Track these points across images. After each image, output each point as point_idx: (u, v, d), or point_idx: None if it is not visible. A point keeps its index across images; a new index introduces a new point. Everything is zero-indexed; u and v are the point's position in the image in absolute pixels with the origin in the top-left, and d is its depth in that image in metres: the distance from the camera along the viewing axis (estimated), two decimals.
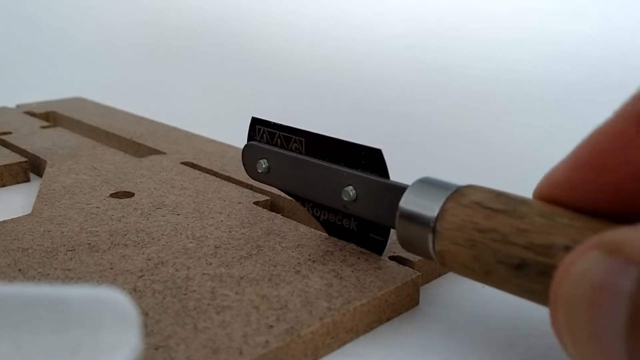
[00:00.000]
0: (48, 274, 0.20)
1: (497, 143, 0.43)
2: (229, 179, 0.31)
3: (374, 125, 0.49)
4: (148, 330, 0.17)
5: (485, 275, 0.16)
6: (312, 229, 0.24)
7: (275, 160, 0.24)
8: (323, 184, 0.23)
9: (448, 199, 0.17)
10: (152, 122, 0.43)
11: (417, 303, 0.21)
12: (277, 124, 0.24)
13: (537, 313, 0.20)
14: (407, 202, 0.18)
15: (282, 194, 0.28)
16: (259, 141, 0.25)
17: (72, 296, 0.13)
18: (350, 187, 0.22)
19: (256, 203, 0.27)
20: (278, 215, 0.26)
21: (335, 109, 0.55)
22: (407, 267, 0.21)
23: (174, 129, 0.41)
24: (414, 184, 0.19)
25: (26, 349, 0.12)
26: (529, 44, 0.71)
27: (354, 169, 0.22)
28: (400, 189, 0.19)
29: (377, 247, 0.22)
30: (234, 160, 0.34)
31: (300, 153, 0.24)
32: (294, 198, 0.25)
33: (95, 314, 0.13)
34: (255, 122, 0.25)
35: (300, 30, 0.83)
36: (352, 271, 0.21)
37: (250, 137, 0.26)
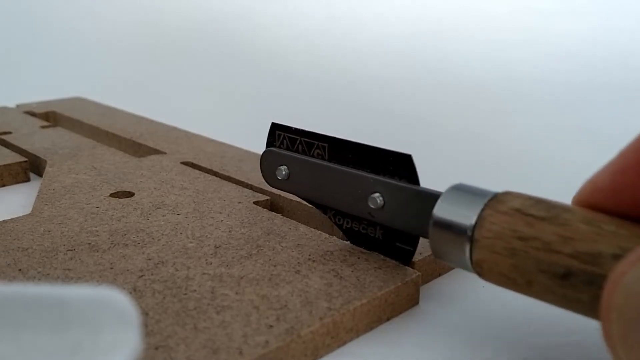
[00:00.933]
0: (48, 274, 0.20)
1: (498, 143, 0.43)
2: (229, 178, 0.31)
3: (374, 125, 0.49)
4: (148, 330, 0.17)
5: (526, 285, 0.16)
6: (312, 229, 0.24)
7: (296, 166, 0.24)
8: (348, 191, 0.22)
9: (486, 206, 0.17)
10: (152, 122, 0.43)
11: (417, 303, 0.21)
12: (299, 129, 0.24)
13: (537, 313, 0.20)
14: (441, 210, 0.18)
15: (282, 194, 0.28)
16: (279, 147, 0.24)
17: (72, 296, 0.13)
18: (377, 194, 0.21)
19: (256, 203, 0.27)
20: (278, 215, 0.26)
21: (336, 109, 0.55)
22: (407, 267, 0.21)
23: (174, 128, 0.41)
24: (447, 190, 0.18)
25: (26, 349, 0.12)
26: (530, 44, 0.71)
27: (381, 175, 0.21)
28: (432, 196, 0.19)
29: (404, 256, 0.21)
30: (234, 160, 0.34)
31: (323, 159, 0.23)
32: (315, 206, 0.24)
33: (95, 313, 0.13)
34: (275, 128, 0.24)
35: (301, 30, 0.83)
36: (352, 271, 0.21)
37: (269, 143, 0.25)
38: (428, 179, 0.22)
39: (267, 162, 0.25)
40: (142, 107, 0.47)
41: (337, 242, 0.23)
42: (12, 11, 0.83)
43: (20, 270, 0.21)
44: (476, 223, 0.17)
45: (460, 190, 0.18)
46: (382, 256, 0.22)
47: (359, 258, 0.22)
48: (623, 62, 0.63)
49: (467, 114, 0.51)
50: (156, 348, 0.16)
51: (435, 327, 0.20)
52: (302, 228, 0.24)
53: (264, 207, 0.27)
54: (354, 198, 0.22)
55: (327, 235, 0.24)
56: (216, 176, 0.31)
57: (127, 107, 0.47)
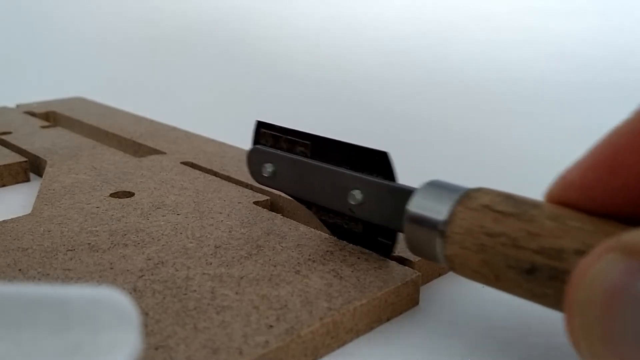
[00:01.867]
0: (48, 274, 0.20)
1: (499, 143, 0.43)
2: (229, 178, 0.31)
3: (375, 125, 0.49)
4: (148, 330, 0.17)
5: (495, 280, 0.16)
6: (312, 229, 0.24)
7: (280, 164, 0.24)
8: (329, 187, 0.22)
9: (457, 202, 0.17)
10: (152, 122, 0.43)
11: (417, 303, 0.21)
12: (282, 127, 0.24)
13: (536, 313, 0.20)
14: (415, 206, 0.18)
15: (282, 194, 0.28)
16: (264, 145, 0.25)
17: (72, 296, 0.13)
18: (357, 191, 0.21)
19: (256, 203, 0.27)
20: (278, 215, 0.26)
21: (336, 109, 0.55)
22: (407, 267, 0.21)
23: (174, 128, 0.41)
24: (421, 186, 0.19)
25: (26, 349, 0.12)
26: (531, 43, 0.71)
27: (360, 172, 0.21)
28: (407, 192, 0.19)
29: (384, 250, 0.22)
30: (234, 160, 0.34)
31: (306, 156, 0.23)
32: (300, 202, 0.24)
33: (95, 314, 0.13)
34: (260, 126, 0.25)
35: (301, 30, 0.83)
36: (352, 271, 0.21)
37: (255, 141, 0.25)
38: (426, 179, 0.22)
39: (253, 160, 0.25)
40: (142, 107, 0.47)
41: (337, 242, 0.23)
42: (12, 11, 0.83)
43: (20, 270, 0.21)
44: (447, 219, 0.17)
45: (435, 186, 0.18)
46: (382, 256, 0.22)
47: (359, 258, 0.22)
48: (624, 62, 0.63)
49: (466, 114, 0.51)
50: (156, 348, 0.16)
51: (435, 328, 0.20)
52: (302, 228, 0.24)
53: (264, 207, 0.27)
54: (336, 194, 0.22)
55: (327, 236, 0.24)
56: (216, 176, 0.31)
57: (127, 107, 0.47)
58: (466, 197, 0.17)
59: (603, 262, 0.13)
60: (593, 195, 0.15)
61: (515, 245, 0.15)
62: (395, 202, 0.20)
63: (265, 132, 0.25)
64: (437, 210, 0.17)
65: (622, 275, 0.12)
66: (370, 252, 0.22)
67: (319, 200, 0.23)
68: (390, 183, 0.21)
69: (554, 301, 0.15)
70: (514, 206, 0.16)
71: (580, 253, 0.14)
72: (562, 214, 0.15)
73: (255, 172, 0.25)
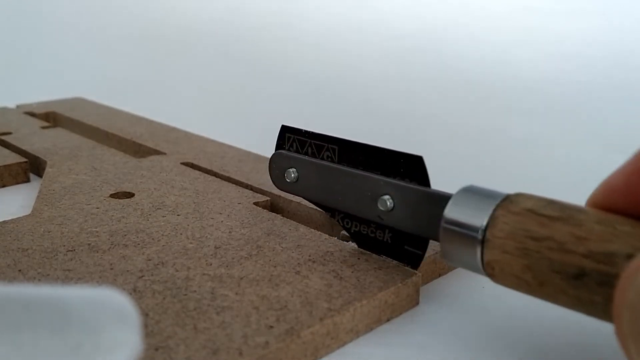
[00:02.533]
0: (48, 275, 0.20)
1: (511, 143, 0.43)
2: (229, 179, 0.31)
3: (374, 125, 0.49)
4: (148, 331, 0.17)
5: (539, 286, 0.16)
6: (312, 230, 0.24)
7: (305, 169, 0.23)
8: (357, 193, 0.22)
9: (498, 207, 0.17)
10: (152, 122, 0.43)
11: (417, 303, 0.21)
12: (309, 131, 0.24)
13: (536, 314, 0.20)
14: (452, 211, 0.18)
15: (282, 194, 0.28)
16: (288, 150, 0.24)
17: (72, 297, 0.13)
18: (387, 197, 0.21)
19: (256, 203, 0.27)
20: (278, 215, 0.26)
21: (337, 109, 0.55)
22: (407, 267, 0.21)
23: (174, 129, 0.41)
24: (458, 192, 0.18)
25: (26, 350, 0.12)
26: (532, 43, 0.71)
27: (392, 177, 0.21)
28: (443, 198, 0.19)
29: (413, 259, 0.21)
30: (234, 160, 0.34)
31: (333, 162, 0.23)
32: (323, 209, 0.24)
33: (96, 314, 0.13)
34: (285, 131, 0.24)
35: (301, 30, 0.83)
36: (352, 271, 0.21)
37: (279, 146, 0.25)
38: (436, 180, 0.22)
39: (275, 165, 0.25)
40: (142, 107, 0.47)
41: (337, 243, 0.23)
42: (13, 11, 0.83)
43: (20, 270, 0.21)
44: (488, 223, 0.17)
45: (472, 192, 0.18)
46: (382, 257, 0.22)
47: (359, 259, 0.22)
48: (625, 62, 0.63)
49: (477, 114, 0.51)
50: (156, 349, 0.16)
51: (435, 328, 0.20)
52: (302, 229, 0.24)
53: (264, 208, 0.27)
54: (363, 200, 0.21)
55: (327, 236, 0.24)
56: (216, 177, 0.31)
57: (127, 107, 0.47)
58: (507, 202, 0.17)
59: None
60: (638, 201, 0.15)
61: (563, 250, 0.15)
62: (429, 209, 0.19)
63: (290, 137, 0.24)
64: (476, 215, 0.17)
65: None
66: (371, 253, 0.22)
67: (345, 206, 0.22)
68: (425, 189, 0.20)
69: (602, 309, 0.14)
70: (559, 210, 0.16)
71: (631, 257, 0.14)
72: (610, 219, 0.15)
73: (277, 177, 0.25)
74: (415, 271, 0.21)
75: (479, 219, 0.17)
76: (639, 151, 0.16)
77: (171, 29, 0.84)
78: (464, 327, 0.20)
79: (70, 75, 0.66)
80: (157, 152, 0.36)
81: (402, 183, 0.20)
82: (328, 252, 0.22)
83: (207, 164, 0.33)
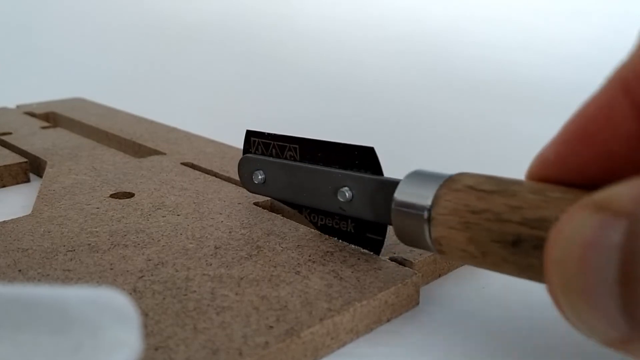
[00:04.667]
0: (48, 275, 0.20)
1: (497, 142, 0.43)
2: (229, 179, 0.31)
3: (377, 125, 0.49)
4: (148, 331, 0.17)
5: (482, 257, 0.16)
6: (312, 230, 0.24)
7: (270, 170, 0.25)
8: (319, 188, 0.23)
9: (441, 186, 0.18)
10: (152, 122, 0.43)
11: (417, 303, 0.21)
12: (271, 134, 0.25)
13: (536, 314, 0.20)
14: (401, 193, 0.19)
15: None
16: (255, 153, 0.25)
17: (72, 297, 0.13)
18: (346, 188, 0.22)
19: (256, 204, 0.27)
20: (278, 215, 0.26)
21: (337, 109, 0.55)
22: (407, 268, 0.21)
23: (174, 129, 0.41)
24: (407, 176, 0.19)
25: (26, 350, 0.12)
26: (531, 44, 0.71)
27: (349, 169, 0.22)
28: (394, 184, 0.19)
29: (375, 246, 0.22)
30: (234, 160, 0.34)
31: (295, 160, 0.24)
32: (291, 206, 0.25)
33: (95, 314, 0.13)
34: (250, 135, 0.25)
35: (302, 30, 0.83)
36: (352, 272, 0.21)
37: (246, 150, 0.26)
38: None
39: (244, 169, 0.26)
40: (142, 107, 0.47)
41: (337, 243, 0.23)
42: (12, 11, 0.83)
43: (20, 271, 0.21)
44: (433, 202, 0.17)
45: (419, 175, 0.19)
46: (382, 257, 0.22)
47: (359, 259, 0.22)
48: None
49: (477, 114, 0.51)
50: (156, 349, 0.16)
51: (435, 328, 0.20)
52: (302, 229, 0.24)
53: (264, 208, 0.27)
54: (326, 194, 0.23)
55: (327, 236, 0.24)
56: (216, 177, 0.31)
57: (127, 107, 0.47)
58: (450, 181, 0.18)
59: (577, 219, 0.13)
60: (569, 168, 0.16)
61: (500, 220, 0.16)
62: (383, 196, 0.20)
63: (255, 141, 0.25)
64: (422, 195, 0.18)
65: (596, 230, 0.13)
66: (367, 252, 0.22)
67: (310, 202, 0.23)
68: (377, 177, 0.21)
69: (541, 272, 0.15)
70: (496, 184, 0.16)
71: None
72: (543, 188, 0.16)
73: (246, 181, 0.26)
74: (415, 271, 0.21)
75: (424, 199, 0.18)
76: (567, 122, 0.16)
77: (171, 29, 0.84)
78: (464, 327, 0.20)
79: (70, 75, 0.66)
80: (157, 152, 0.36)
81: (357, 174, 0.21)
82: (328, 252, 0.22)
83: (207, 164, 0.33)
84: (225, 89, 0.63)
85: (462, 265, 0.24)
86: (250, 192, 0.26)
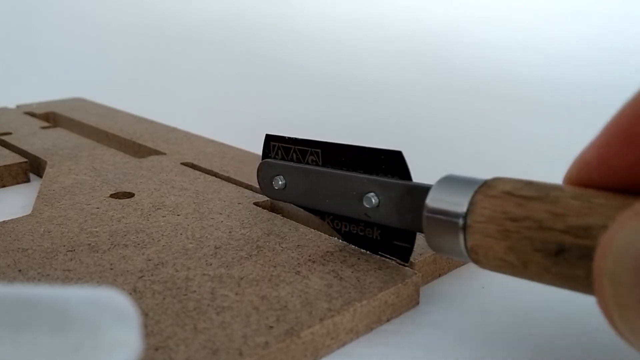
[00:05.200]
0: (48, 275, 0.20)
1: (497, 142, 0.43)
2: (229, 179, 0.31)
3: (377, 125, 0.49)
4: (148, 331, 0.17)
5: (523, 267, 0.16)
6: (312, 230, 0.24)
7: (292, 175, 0.24)
8: (343, 194, 0.22)
9: (476, 192, 0.17)
10: (152, 122, 0.43)
11: (417, 303, 0.21)
12: (292, 138, 0.24)
13: (537, 314, 0.20)
14: (433, 200, 0.18)
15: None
16: (274, 158, 0.25)
17: (72, 297, 0.13)
18: (372, 194, 0.21)
19: (256, 204, 0.27)
20: (278, 215, 0.26)
21: (338, 109, 0.55)
22: (407, 267, 0.21)
23: (174, 129, 0.41)
24: (438, 182, 0.18)
25: (26, 350, 0.12)
26: (532, 44, 0.71)
27: (374, 174, 0.21)
28: (424, 190, 0.19)
29: (402, 254, 0.21)
30: (234, 160, 0.34)
31: (318, 165, 0.23)
32: (313, 213, 0.24)
33: (96, 314, 0.13)
34: (269, 139, 0.25)
35: (302, 30, 0.83)
36: (352, 272, 0.21)
37: (265, 155, 0.25)
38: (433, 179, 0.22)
39: (263, 174, 0.25)
40: (142, 107, 0.47)
41: (337, 243, 0.23)
42: (12, 11, 0.83)
43: (20, 271, 0.21)
44: (468, 209, 0.17)
45: (451, 181, 0.18)
46: (382, 257, 0.22)
47: (359, 259, 0.22)
48: (628, 62, 0.63)
49: (478, 114, 0.51)
50: (156, 349, 0.16)
51: (435, 328, 0.20)
52: (302, 229, 0.24)
53: (264, 208, 0.27)
54: (350, 200, 0.22)
55: (327, 236, 0.24)
56: (216, 177, 0.31)
57: (127, 107, 0.47)
58: (485, 187, 0.17)
59: (628, 230, 0.12)
60: (611, 172, 0.15)
61: (541, 227, 0.15)
62: (412, 202, 0.19)
63: (274, 145, 0.24)
64: (456, 202, 0.17)
65: None
66: (371, 253, 0.22)
67: (333, 208, 0.22)
68: (406, 182, 0.20)
69: (585, 282, 0.14)
70: (536, 190, 0.16)
71: (607, 228, 0.14)
72: (585, 193, 0.15)
73: (265, 186, 0.25)
74: (415, 271, 0.21)
75: (459, 205, 0.17)
76: (607, 124, 0.15)
77: (171, 29, 0.84)
78: (464, 327, 0.20)
79: (70, 75, 0.66)
80: (157, 152, 0.36)
81: (384, 179, 0.21)
82: (328, 252, 0.22)
83: (207, 164, 0.33)
84: (225, 89, 0.63)
85: (462, 265, 0.24)
86: (270, 198, 0.25)
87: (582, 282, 0.14)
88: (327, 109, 0.55)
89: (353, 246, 0.23)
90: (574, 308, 0.20)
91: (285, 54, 0.76)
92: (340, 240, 0.23)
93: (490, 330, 0.20)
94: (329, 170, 0.22)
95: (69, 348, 0.12)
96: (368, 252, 0.22)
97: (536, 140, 0.43)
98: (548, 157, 0.39)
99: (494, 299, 0.22)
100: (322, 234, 0.24)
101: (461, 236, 0.17)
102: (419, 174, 0.21)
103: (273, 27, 0.84)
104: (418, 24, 0.80)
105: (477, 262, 0.17)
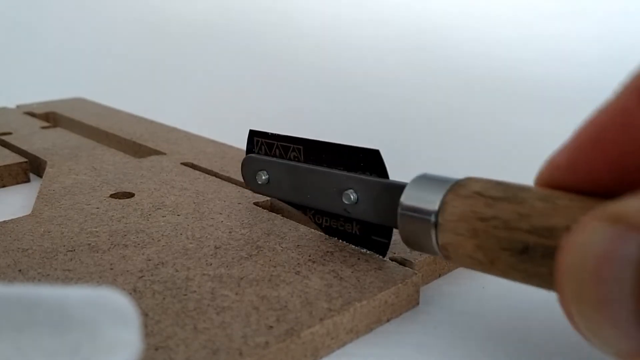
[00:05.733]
0: (48, 275, 0.20)
1: (499, 142, 0.43)
2: (229, 179, 0.31)
3: (377, 125, 0.49)
4: (148, 331, 0.17)
5: (490, 264, 0.16)
6: (312, 230, 0.24)
7: (274, 170, 0.25)
8: (323, 189, 0.23)
9: (448, 192, 0.17)
10: (152, 122, 0.43)
11: (417, 303, 0.21)
12: (275, 134, 0.25)
13: (537, 314, 0.20)
14: (407, 198, 0.18)
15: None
16: (258, 153, 0.25)
17: (72, 297, 0.13)
18: (351, 190, 0.22)
19: (256, 204, 0.27)
20: (278, 215, 0.26)
21: (337, 108, 0.55)
22: (407, 268, 0.21)
23: (174, 129, 0.41)
24: (413, 180, 0.19)
25: (26, 350, 0.12)
26: (532, 43, 0.71)
27: (354, 172, 0.22)
28: (400, 187, 0.19)
29: (380, 249, 0.22)
30: (234, 160, 0.34)
31: (299, 161, 0.24)
32: (295, 207, 0.25)
33: (96, 314, 0.13)
34: (253, 135, 0.25)
35: (300, 31, 0.83)
36: (352, 272, 0.21)
37: (249, 150, 0.26)
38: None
39: (247, 168, 0.26)
40: (142, 107, 0.47)
41: (337, 243, 0.23)
42: (12, 11, 0.83)
43: (20, 271, 0.21)
44: (440, 208, 0.17)
45: (425, 179, 0.19)
46: (382, 257, 0.22)
47: (359, 259, 0.22)
48: (628, 62, 0.63)
49: (478, 114, 0.51)
50: (156, 349, 0.16)
51: (435, 328, 0.20)
52: (302, 229, 0.24)
53: (264, 208, 0.27)
54: (330, 196, 0.22)
55: (327, 236, 0.24)
56: (216, 177, 0.31)
57: (127, 107, 0.47)
58: (457, 186, 0.17)
59: (590, 230, 0.13)
60: (580, 175, 0.16)
61: (508, 227, 0.16)
62: (389, 199, 0.20)
63: (258, 140, 0.25)
64: (429, 200, 0.18)
65: (610, 241, 0.12)
66: (370, 252, 0.22)
67: (314, 203, 0.23)
68: (383, 180, 0.21)
69: (549, 280, 0.15)
70: (504, 191, 0.16)
71: (571, 229, 0.14)
72: (551, 195, 0.16)
73: (250, 180, 0.26)
74: (415, 271, 0.21)
75: (431, 204, 0.18)
76: (579, 127, 0.16)
77: (171, 29, 0.84)
78: (464, 327, 0.20)
79: (70, 75, 0.66)
80: (157, 152, 0.36)
81: (362, 176, 0.21)
82: (328, 252, 0.22)
83: (207, 164, 0.33)
84: (226, 88, 0.63)
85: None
86: (253, 191, 0.26)
87: (546, 279, 0.15)
88: (328, 109, 0.55)
89: (353, 246, 0.23)
90: None
91: (286, 54, 0.76)
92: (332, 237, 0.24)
93: (490, 330, 0.20)
94: (310, 166, 0.23)
95: (68, 348, 0.12)
96: (366, 251, 0.22)
97: (533, 138, 0.43)
98: (545, 154, 0.39)
99: (494, 299, 0.22)
100: (322, 234, 0.24)
101: (433, 233, 0.18)
102: (412, 171, 0.21)
103: (273, 26, 0.84)
104: (417, 21, 0.80)
105: (447, 258, 0.18)
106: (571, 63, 0.65)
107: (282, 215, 0.26)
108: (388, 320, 0.20)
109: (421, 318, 0.20)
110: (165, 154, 0.35)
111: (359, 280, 0.20)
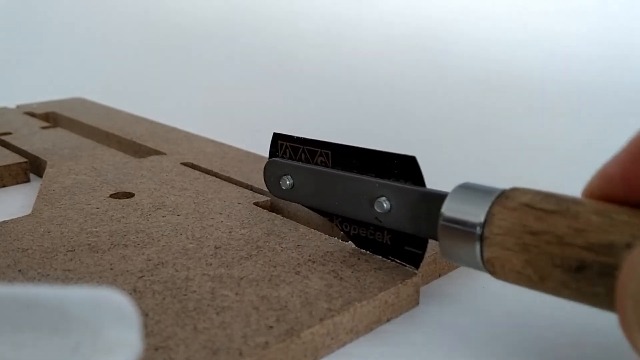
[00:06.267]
0: (48, 275, 0.20)
1: (497, 141, 0.43)
2: (229, 179, 0.31)
3: (379, 125, 0.49)
4: (148, 331, 0.17)
5: (540, 281, 0.15)
6: (312, 230, 0.24)
7: (300, 175, 0.23)
8: (353, 196, 0.22)
9: (494, 203, 0.16)
10: (152, 122, 0.43)
11: (417, 303, 0.21)
12: (301, 137, 0.23)
13: (537, 314, 0.20)
14: (449, 209, 0.18)
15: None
16: (282, 157, 0.24)
17: (72, 297, 0.13)
18: (384, 198, 0.21)
19: (256, 204, 0.27)
20: (278, 215, 0.26)
21: (339, 110, 0.55)
22: (407, 268, 0.21)
23: (174, 129, 0.41)
24: (454, 189, 0.18)
25: (26, 350, 0.12)
26: (534, 43, 0.71)
27: (387, 179, 0.21)
28: (439, 197, 0.18)
29: (413, 260, 0.21)
30: (234, 160, 0.34)
31: (327, 166, 0.23)
32: (320, 214, 0.24)
33: (95, 314, 0.13)
34: (277, 138, 0.24)
35: (301, 30, 0.83)
36: (352, 272, 0.21)
37: (272, 154, 0.25)
38: (437, 180, 0.22)
39: (270, 173, 0.25)
40: (142, 107, 0.47)
41: (337, 243, 0.23)
42: (12, 11, 0.83)
43: (20, 271, 0.21)
44: (485, 220, 0.16)
45: (467, 189, 0.18)
46: (382, 257, 0.22)
47: (359, 259, 0.22)
48: (629, 62, 0.63)
49: (474, 114, 0.51)
50: (156, 349, 0.16)
51: (435, 328, 0.20)
52: (302, 229, 0.24)
53: (264, 208, 0.27)
54: (360, 203, 0.21)
55: (327, 236, 0.24)
56: (216, 177, 0.31)
57: (127, 107, 0.47)
58: (503, 197, 0.17)
59: None
60: (635, 188, 0.15)
61: (562, 243, 0.15)
62: (426, 209, 0.19)
63: (282, 144, 0.24)
64: (473, 212, 0.17)
65: None
66: (367, 252, 0.22)
67: (343, 210, 0.22)
68: (421, 188, 0.20)
69: (605, 300, 0.14)
70: (556, 203, 0.15)
71: (631, 247, 0.14)
72: (607, 209, 0.15)
73: (273, 185, 0.25)
74: (416, 271, 0.21)
75: (476, 216, 0.17)
76: (634, 138, 0.15)
77: (171, 29, 0.84)
78: (464, 327, 0.20)
79: (70, 75, 0.66)
80: (157, 152, 0.36)
81: (397, 184, 0.20)
82: (328, 252, 0.22)
83: (207, 164, 0.33)
84: (226, 88, 0.63)
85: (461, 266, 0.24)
86: (276, 197, 0.25)
87: (602, 299, 0.14)
88: (328, 109, 0.55)
89: (353, 246, 0.23)
90: (574, 308, 0.20)
91: (286, 54, 0.76)
92: (342, 239, 0.23)
93: (490, 330, 0.20)
94: (340, 172, 0.22)
95: (68, 348, 0.12)
96: (370, 253, 0.22)
97: (536, 139, 0.43)
98: (545, 154, 0.39)
99: (494, 299, 0.22)
100: (322, 234, 0.24)
101: (477, 247, 0.17)
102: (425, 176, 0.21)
103: (274, 26, 0.84)
104: (422, 22, 0.80)
105: (493, 273, 0.17)
106: (575, 62, 0.65)
107: (282, 215, 0.26)
108: (388, 320, 0.20)
109: (421, 318, 0.20)
110: (165, 154, 0.35)
111: (359, 280, 0.20)
